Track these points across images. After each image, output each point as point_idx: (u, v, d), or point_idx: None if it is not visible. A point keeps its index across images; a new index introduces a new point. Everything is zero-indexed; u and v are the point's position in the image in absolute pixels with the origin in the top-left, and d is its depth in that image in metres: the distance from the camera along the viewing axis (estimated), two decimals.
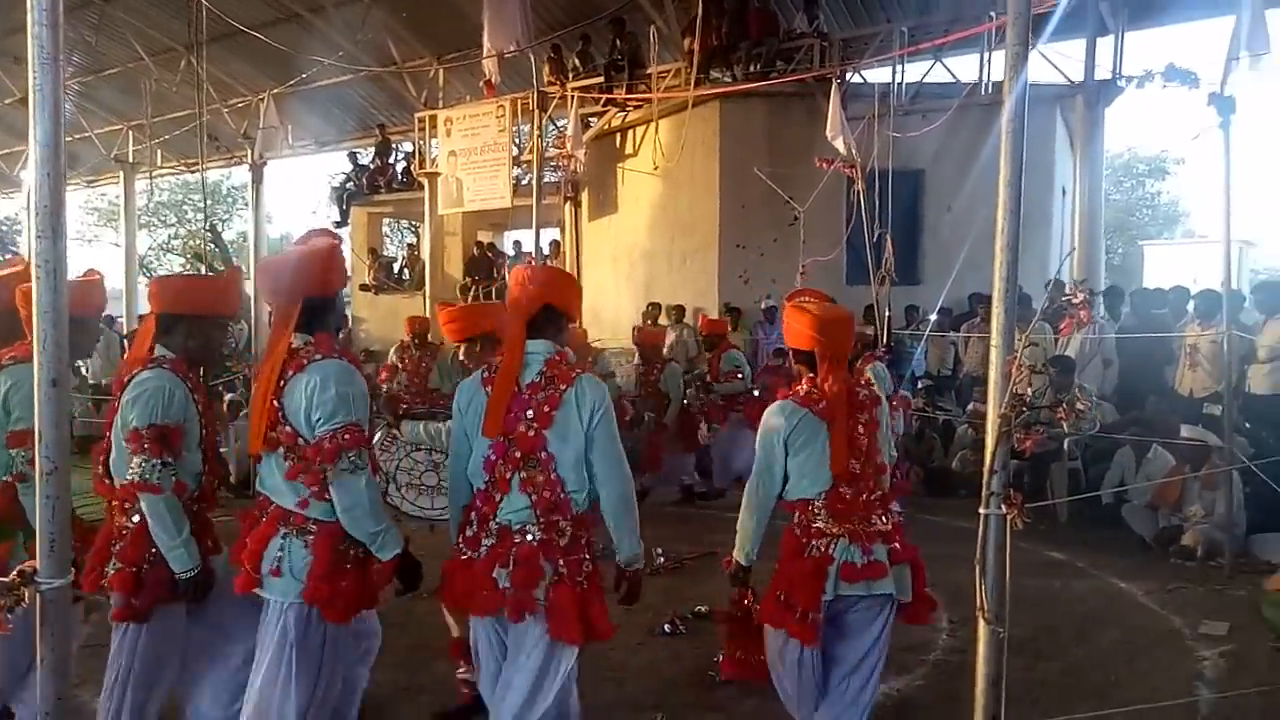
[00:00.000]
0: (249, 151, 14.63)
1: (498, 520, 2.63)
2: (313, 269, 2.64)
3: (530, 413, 2.60)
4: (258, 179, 15.45)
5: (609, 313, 12.98)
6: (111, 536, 2.77)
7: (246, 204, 20.78)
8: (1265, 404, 7.11)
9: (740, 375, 7.82)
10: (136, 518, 2.71)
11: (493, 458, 2.63)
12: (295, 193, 62.39)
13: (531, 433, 2.60)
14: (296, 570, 2.54)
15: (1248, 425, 6.88)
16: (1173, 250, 25.73)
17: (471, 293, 14.61)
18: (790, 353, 3.14)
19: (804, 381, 2.97)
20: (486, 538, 2.64)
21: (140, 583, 2.68)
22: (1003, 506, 2.06)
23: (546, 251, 15.18)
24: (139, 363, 2.82)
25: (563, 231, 14.63)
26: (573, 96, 12.04)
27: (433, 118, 14.09)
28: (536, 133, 7.51)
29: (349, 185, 17.39)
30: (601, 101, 12.65)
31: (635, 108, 12.56)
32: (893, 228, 8.24)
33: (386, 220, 20.70)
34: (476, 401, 2.70)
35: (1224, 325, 5.84)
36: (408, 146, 16.88)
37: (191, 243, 27.71)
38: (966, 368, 9.45)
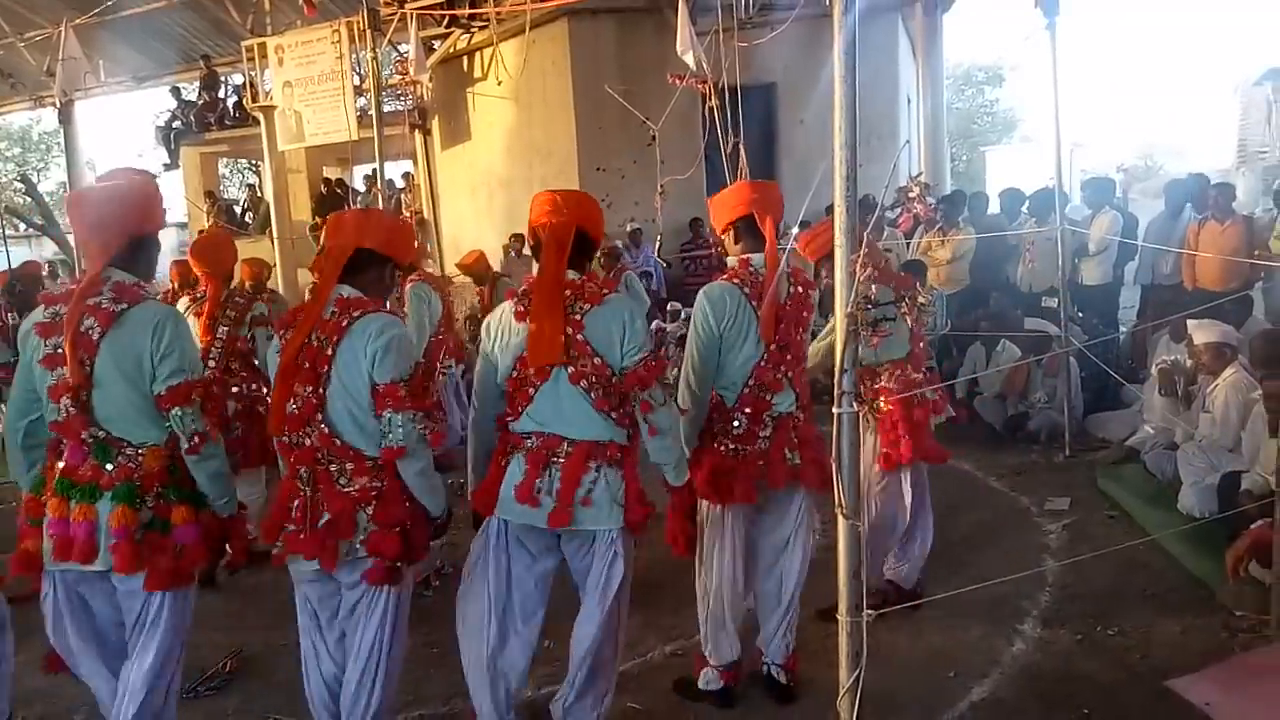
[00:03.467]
0: (53, 90, 13.28)
1: (773, 414, 3.06)
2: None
3: (789, 322, 3.06)
4: (67, 120, 14.11)
5: (470, 244, 12.59)
6: (291, 494, 2.52)
7: (62, 150, 18.96)
8: (1095, 293, 7.61)
9: None
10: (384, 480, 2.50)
11: (764, 362, 3.03)
12: (118, 135, 57.32)
13: (799, 337, 3.12)
14: (617, 498, 2.64)
15: (1080, 314, 7.35)
16: (1011, 154, 27.09)
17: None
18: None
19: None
20: (763, 429, 3.05)
21: (409, 544, 2.53)
22: (854, 404, 2.07)
23: (400, 184, 14.56)
24: (359, 305, 2.47)
25: (415, 162, 14.02)
26: (412, 17, 11.40)
27: (261, 45, 13.06)
28: (373, 57, 7.04)
29: (176, 124, 16.07)
30: (444, 22, 12.04)
31: (480, 28, 12.03)
32: (748, 142, 8.25)
33: (223, 160, 19.36)
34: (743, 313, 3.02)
35: (1058, 222, 6.15)
36: (237, 79, 15.68)
37: (2, 195, 25.19)
38: (825, 279, 9.67)
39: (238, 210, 16.53)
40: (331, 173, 15.48)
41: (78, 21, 11.37)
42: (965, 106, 33.19)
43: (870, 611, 2.15)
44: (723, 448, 3.05)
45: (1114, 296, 7.90)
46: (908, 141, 12.01)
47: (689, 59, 8.63)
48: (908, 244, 8.20)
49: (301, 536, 2.47)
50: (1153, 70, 59.41)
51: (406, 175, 14.53)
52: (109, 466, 2.43)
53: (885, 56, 11.56)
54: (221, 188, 18.98)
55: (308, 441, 2.47)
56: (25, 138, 31.48)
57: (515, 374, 2.67)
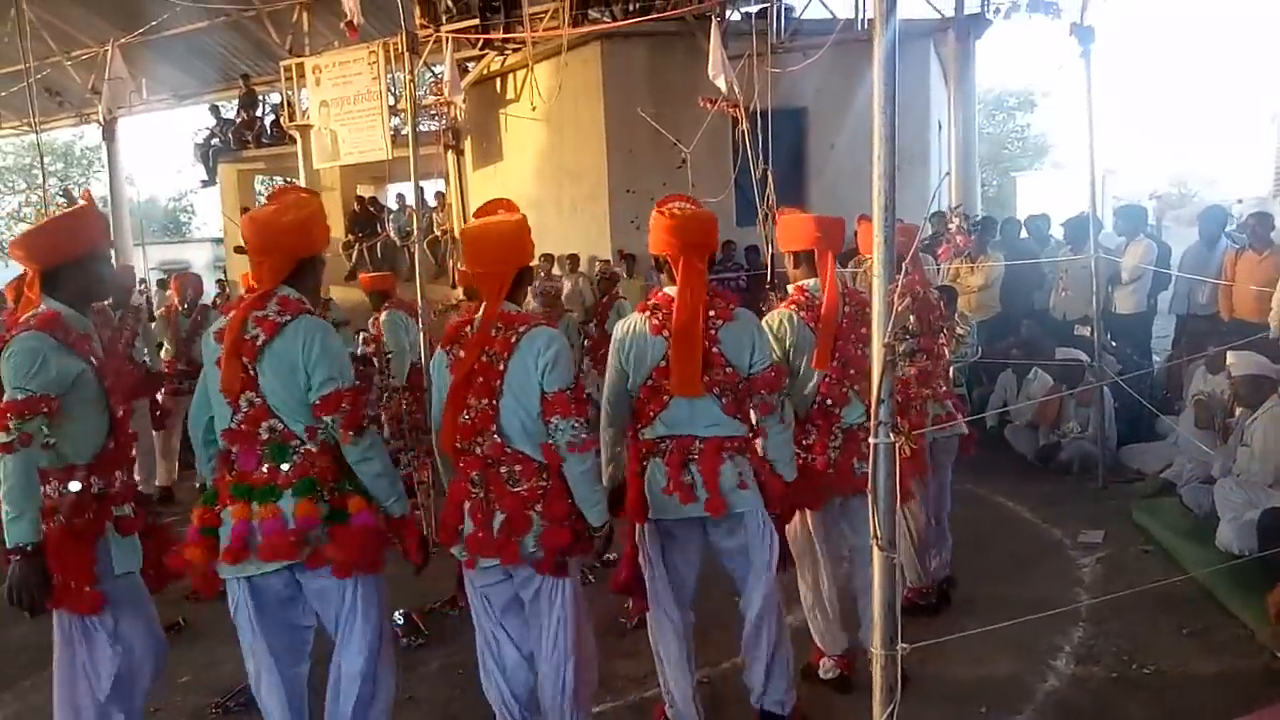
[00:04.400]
0: (98, 108, 13.58)
1: (841, 425, 3.26)
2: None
3: (846, 340, 3.23)
4: (110, 137, 14.41)
5: None
6: (463, 498, 2.69)
7: (103, 166, 19.36)
8: (1129, 322, 7.51)
9: None
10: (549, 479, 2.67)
11: (829, 378, 3.23)
12: (157, 151, 58.60)
13: (860, 353, 3.19)
14: (753, 481, 2.92)
15: (1114, 343, 7.26)
16: (1042, 180, 26.90)
17: (355, 250, 14.06)
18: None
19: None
20: (833, 440, 3.26)
21: (576, 536, 2.70)
22: (891, 434, 2.06)
23: (432, 203, 14.70)
24: (521, 320, 2.67)
25: (447, 182, 14.16)
26: (447, 39, 11.56)
27: (300, 66, 13.31)
28: (410, 78, 7.13)
29: (215, 141, 16.38)
30: (478, 44, 12.20)
31: (514, 50, 12.16)
32: (778, 166, 8.25)
33: (259, 177, 19.64)
34: (802, 337, 3.26)
35: (1092, 250, 6.10)
36: (275, 98, 15.97)
37: (44, 210, 25.75)
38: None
39: None
40: (365, 191, 15.68)
41: (123, 41, 11.63)
42: (996, 131, 33.08)
43: (904, 645, 2.12)
44: (796, 458, 3.23)
45: (1148, 326, 7.80)
46: (948, 173, 11.98)
47: (720, 83, 8.66)
48: (938, 270, 8.15)
49: (480, 536, 2.63)
50: (1187, 96, 58.99)
51: (439, 194, 14.67)
52: (284, 466, 2.53)
53: (916, 81, 11.55)
54: (257, 204, 19.28)
55: (478, 449, 2.64)
56: (68, 153, 32.20)
57: (650, 383, 2.89)
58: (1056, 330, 7.50)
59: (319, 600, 2.64)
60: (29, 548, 2.52)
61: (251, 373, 2.49)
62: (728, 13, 10.79)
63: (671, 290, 2.93)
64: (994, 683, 3.50)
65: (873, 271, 2.05)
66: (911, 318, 3.41)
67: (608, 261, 10.15)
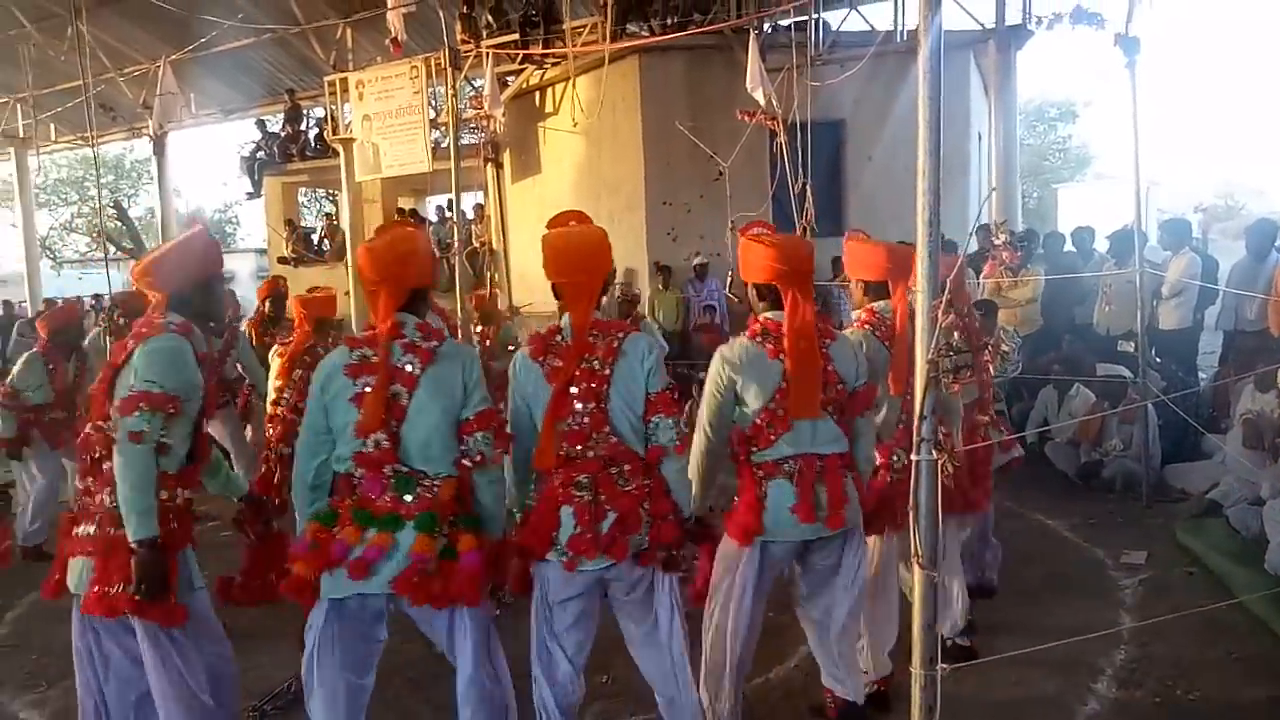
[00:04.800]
0: (149, 123, 13.93)
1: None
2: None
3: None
4: (160, 151, 14.76)
5: (537, 275, 12.75)
6: (560, 505, 2.75)
7: (152, 178, 19.82)
8: (1173, 338, 7.38)
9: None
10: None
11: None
12: (204, 165, 59.92)
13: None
14: (856, 497, 3.05)
15: (1159, 360, 7.13)
16: (1084, 192, 26.52)
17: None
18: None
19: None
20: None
21: (681, 531, 2.85)
22: (933, 452, 2.05)
23: (471, 215, 14.86)
24: (617, 327, 2.83)
25: (486, 194, 14.30)
26: (487, 54, 11.69)
27: (343, 81, 13.54)
28: (451, 93, 7.25)
29: (260, 154, 16.70)
30: (518, 59, 12.33)
31: (553, 64, 12.27)
32: (816, 179, 8.24)
33: (302, 190, 20.01)
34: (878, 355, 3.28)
35: (1137, 264, 6.00)
36: (319, 112, 16.25)
37: (96, 221, 26.43)
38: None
39: (314, 238, 17.05)
40: (405, 203, 15.89)
41: (174, 58, 11.93)
42: (1037, 143, 32.68)
43: (944, 665, 2.11)
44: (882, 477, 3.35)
45: (1193, 342, 7.65)
46: (994, 189, 11.86)
47: (759, 95, 8.67)
48: (978, 284, 8.07)
49: (589, 537, 2.68)
50: (1232, 106, 57.78)
51: (478, 207, 14.82)
52: (408, 498, 2.59)
53: (957, 93, 11.45)
54: (300, 216, 19.62)
55: (592, 453, 2.71)
56: (118, 166, 33.00)
57: (771, 406, 2.92)
58: (1099, 346, 7.38)
59: (425, 624, 2.74)
60: (153, 540, 2.61)
61: (404, 402, 2.58)
62: (766, 25, 10.79)
63: (775, 315, 3.00)
64: (1034, 705, 3.45)
65: (916, 287, 2.05)
66: (956, 334, 3.40)
67: (628, 283, 10.03)
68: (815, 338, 2.93)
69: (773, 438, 2.94)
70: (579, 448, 2.70)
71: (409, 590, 2.54)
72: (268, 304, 6.89)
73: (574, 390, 2.70)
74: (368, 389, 2.57)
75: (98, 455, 2.72)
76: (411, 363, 2.60)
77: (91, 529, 2.71)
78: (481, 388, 2.68)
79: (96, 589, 2.64)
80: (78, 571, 2.72)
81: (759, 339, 2.99)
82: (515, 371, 2.83)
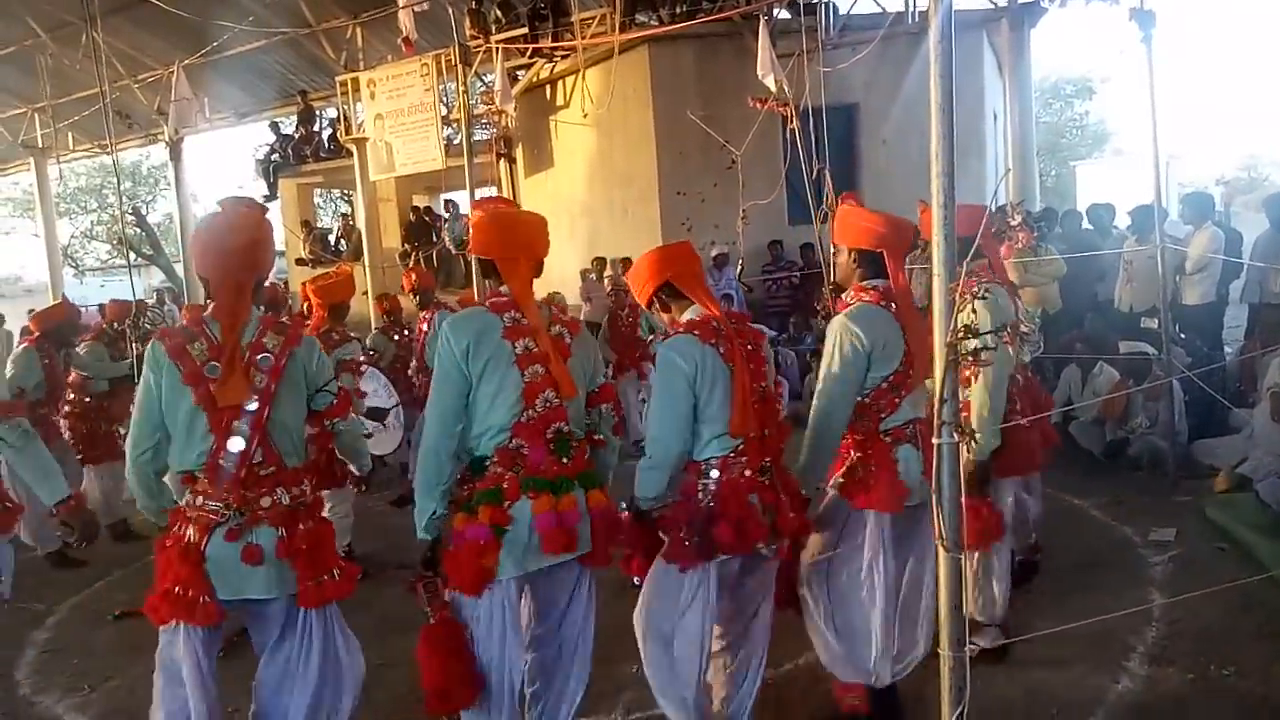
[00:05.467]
0: (165, 128, 14.03)
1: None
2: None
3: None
4: (176, 156, 14.83)
5: (553, 269, 12.77)
6: (745, 490, 2.76)
7: (169, 184, 20.01)
8: (1197, 313, 7.29)
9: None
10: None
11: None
12: (220, 168, 60.33)
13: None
14: None
15: (1182, 336, 7.05)
16: (1103, 169, 26.20)
17: (412, 259, 14.30)
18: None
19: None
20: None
21: None
22: (955, 435, 2.04)
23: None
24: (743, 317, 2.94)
25: (499, 189, 14.34)
26: (497, 49, 11.72)
27: (355, 80, 13.61)
28: (462, 89, 7.26)
29: (274, 156, 16.82)
30: (527, 53, 12.33)
31: (563, 57, 12.26)
32: (830, 163, 8.18)
33: (317, 190, 20.11)
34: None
35: (1157, 240, 5.93)
36: (331, 112, 16.34)
37: (115, 228, 26.69)
38: (915, 299, 9.50)
39: (331, 238, 17.15)
40: (420, 200, 15.96)
41: (187, 63, 11.98)
42: (1054, 120, 32.27)
43: (974, 645, 2.10)
44: None
45: (1218, 316, 7.56)
46: (1009, 170, 11.75)
47: (770, 82, 8.62)
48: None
49: (790, 516, 2.80)
50: (1252, 77, 56.87)
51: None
52: (565, 460, 2.65)
53: (970, 73, 11.35)
54: (316, 217, 19.74)
55: (769, 432, 2.81)
56: (135, 172, 33.28)
57: (900, 370, 2.95)
58: (1121, 323, 7.31)
59: (559, 587, 2.77)
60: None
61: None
62: (775, 11, 10.73)
63: (875, 282, 3.03)
64: (1065, 685, 3.43)
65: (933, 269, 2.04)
66: (974, 315, 3.35)
67: (615, 275, 9.77)
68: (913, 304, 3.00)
69: (897, 401, 2.96)
70: (759, 431, 2.76)
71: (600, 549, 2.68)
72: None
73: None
74: (529, 349, 2.59)
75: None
76: (563, 333, 2.71)
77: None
78: (600, 366, 2.86)
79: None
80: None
81: (882, 303, 2.98)
82: (690, 354, 2.74)
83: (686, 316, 2.82)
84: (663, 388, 2.73)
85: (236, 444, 2.55)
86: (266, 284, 3.31)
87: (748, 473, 2.73)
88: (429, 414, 2.62)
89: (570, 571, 2.73)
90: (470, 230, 2.90)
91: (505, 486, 2.56)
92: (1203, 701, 3.28)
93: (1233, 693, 3.32)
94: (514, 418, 2.57)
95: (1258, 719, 3.14)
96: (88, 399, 6.33)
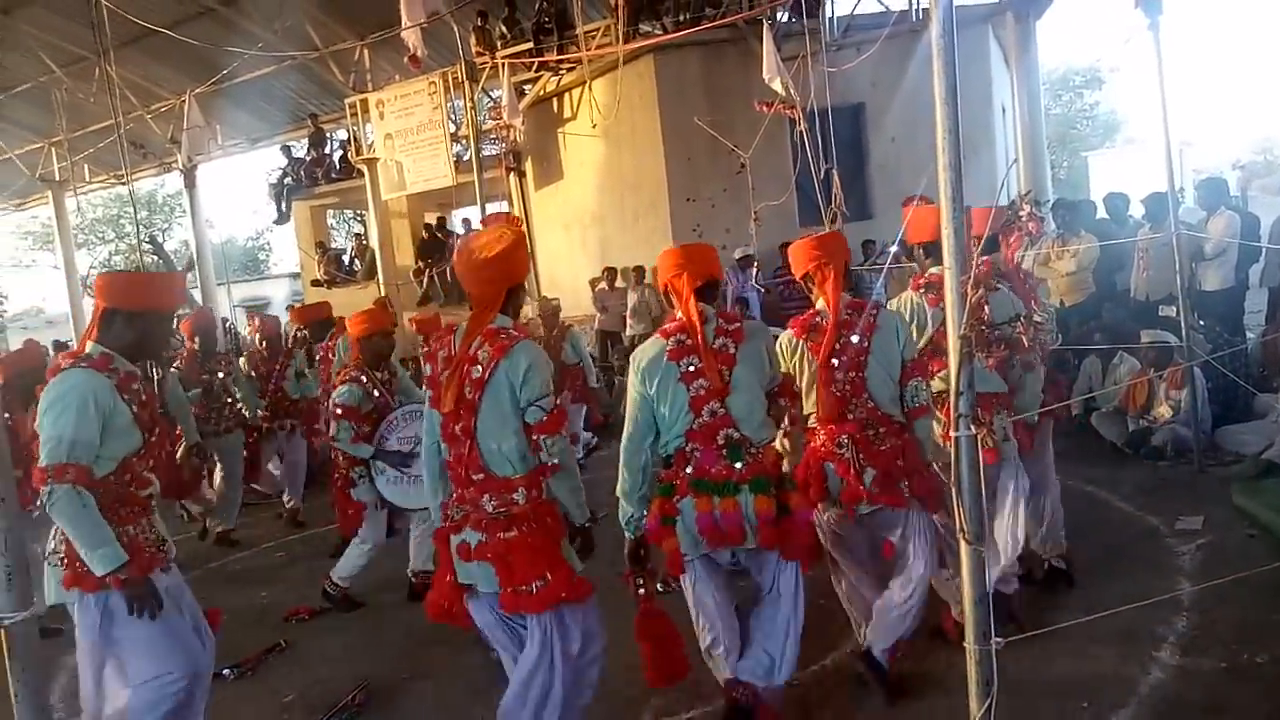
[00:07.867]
0: (179, 157, 14.21)
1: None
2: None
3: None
4: (190, 183, 15.04)
5: (566, 280, 12.86)
6: (822, 462, 3.27)
7: (185, 211, 20.22)
8: (1217, 299, 7.22)
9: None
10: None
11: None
12: (234, 194, 61.01)
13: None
14: None
15: (1202, 322, 6.99)
16: (1116, 158, 26.02)
17: (426, 276, 14.39)
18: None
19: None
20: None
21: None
22: (971, 427, 2.04)
23: None
24: (859, 306, 3.23)
25: (510, 203, 14.41)
26: (503, 65, 11.79)
27: (364, 101, 13.73)
28: (470, 106, 7.32)
29: (287, 180, 16.98)
30: (533, 67, 12.40)
31: (568, 70, 12.33)
32: (838, 163, 8.19)
33: (330, 211, 20.26)
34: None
35: (1173, 227, 5.88)
36: (342, 134, 16.47)
37: (133, 257, 27.00)
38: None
39: (345, 259, 17.27)
40: (431, 217, 16.05)
41: (198, 91, 12.14)
42: (1063, 111, 32.11)
43: (999, 639, 2.09)
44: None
45: (1238, 301, 7.49)
46: (1015, 160, 11.70)
47: (776, 85, 8.64)
48: (1021, 257, 7.95)
49: (861, 488, 3.15)
50: (1264, 58, 56.32)
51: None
52: (738, 465, 2.89)
53: (976, 67, 11.34)
54: (330, 238, 19.89)
55: (852, 415, 3.16)
56: (151, 201, 33.68)
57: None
58: (1140, 312, 7.25)
59: (759, 568, 3.07)
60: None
61: (726, 379, 2.90)
62: (778, 14, 10.75)
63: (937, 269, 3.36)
64: (1095, 676, 3.40)
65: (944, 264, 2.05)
66: (987, 308, 3.39)
67: (550, 298, 9.21)
68: None
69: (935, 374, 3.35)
70: (840, 410, 3.16)
71: (771, 541, 2.88)
72: (264, 342, 7.47)
73: (834, 362, 3.16)
74: (692, 368, 2.90)
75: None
76: (726, 344, 2.92)
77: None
78: (779, 360, 3.16)
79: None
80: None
81: (923, 291, 3.47)
82: (782, 348, 3.29)
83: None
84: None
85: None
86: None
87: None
88: (624, 432, 3.06)
89: (761, 556, 3.02)
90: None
91: (677, 484, 2.96)
92: (1236, 690, 3.24)
93: (1269, 680, 3.28)
94: (686, 425, 2.94)
95: None
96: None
